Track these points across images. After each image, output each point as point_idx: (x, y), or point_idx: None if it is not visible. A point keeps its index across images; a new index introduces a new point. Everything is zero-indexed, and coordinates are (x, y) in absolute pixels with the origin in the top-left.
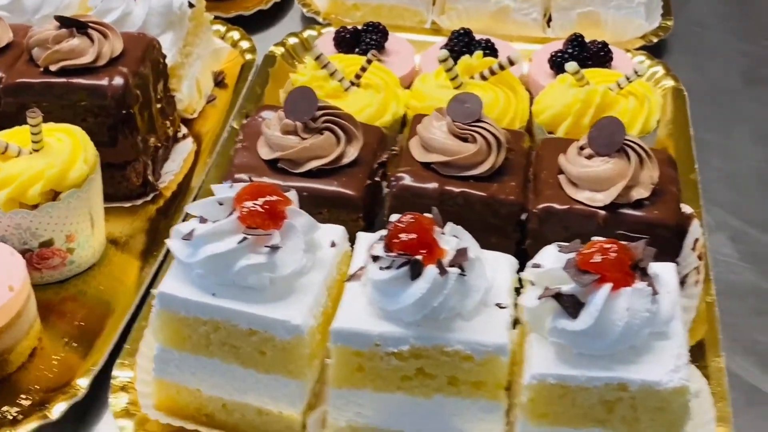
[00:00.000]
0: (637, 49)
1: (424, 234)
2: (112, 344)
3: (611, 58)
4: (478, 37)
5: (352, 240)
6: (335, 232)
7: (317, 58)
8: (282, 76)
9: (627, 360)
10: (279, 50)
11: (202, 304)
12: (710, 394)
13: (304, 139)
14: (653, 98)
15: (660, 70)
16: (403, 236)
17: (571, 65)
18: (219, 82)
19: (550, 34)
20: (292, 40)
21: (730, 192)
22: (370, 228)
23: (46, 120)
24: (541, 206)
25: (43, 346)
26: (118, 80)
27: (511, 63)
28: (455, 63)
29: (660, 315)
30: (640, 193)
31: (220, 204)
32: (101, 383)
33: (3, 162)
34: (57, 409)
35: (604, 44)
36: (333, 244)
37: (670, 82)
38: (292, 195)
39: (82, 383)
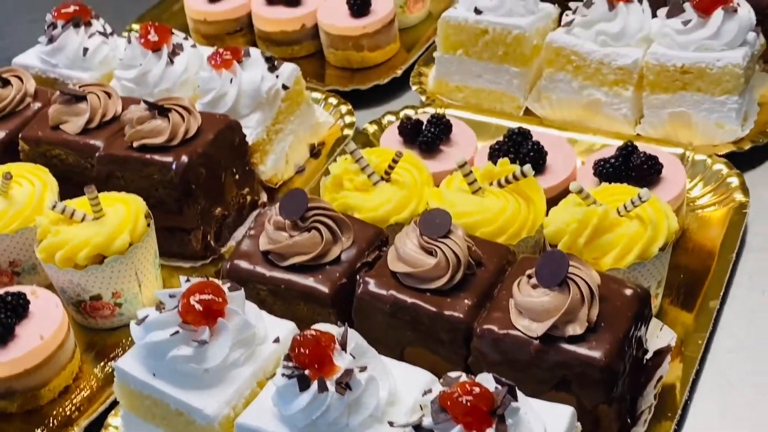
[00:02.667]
0: (723, 155)
1: (319, 350)
2: None
3: (658, 171)
4: (534, 138)
5: None
6: (285, 327)
7: (352, 152)
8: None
9: None
10: (372, 127)
11: (143, 382)
12: None
13: (291, 236)
14: (661, 224)
15: (735, 181)
16: (300, 350)
17: (574, 185)
18: (315, 153)
19: (640, 131)
20: (388, 118)
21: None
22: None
23: (128, 189)
24: (482, 327)
25: (78, 384)
26: (183, 159)
27: (524, 175)
28: (497, 161)
29: None
30: (574, 329)
31: (171, 297)
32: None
33: (68, 225)
34: None
35: (652, 158)
36: (276, 340)
37: (740, 197)
38: (237, 294)
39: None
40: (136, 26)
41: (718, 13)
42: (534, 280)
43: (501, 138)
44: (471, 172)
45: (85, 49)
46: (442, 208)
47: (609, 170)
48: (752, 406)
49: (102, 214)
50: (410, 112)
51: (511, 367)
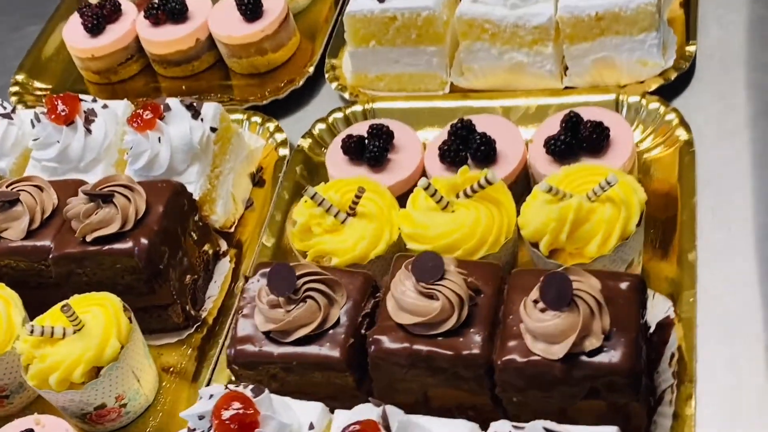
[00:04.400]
0: (653, 93)
1: None
2: None
3: (607, 137)
4: (479, 129)
5: (347, 398)
6: (314, 411)
7: (312, 197)
8: (312, 168)
9: None
10: (307, 141)
11: None
12: None
13: (288, 311)
14: (632, 200)
15: (674, 117)
16: None
17: (543, 185)
18: (257, 182)
19: (567, 83)
20: (319, 127)
21: None
22: (362, 381)
23: (91, 282)
24: (503, 360)
25: None
26: (143, 242)
27: (489, 183)
28: (454, 156)
29: None
30: (591, 343)
31: (201, 418)
32: None
33: (51, 346)
34: None
35: (599, 126)
36: (311, 426)
37: (683, 134)
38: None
39: None
40: (20, 77)
41: None
42: (541, 304)
43: (446, 136)
44: (436, 190)
45: None
46: (432, 251)
47: (561, 147)
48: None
49: (81, 324)
50: (338, 115)
51: (540, 389)
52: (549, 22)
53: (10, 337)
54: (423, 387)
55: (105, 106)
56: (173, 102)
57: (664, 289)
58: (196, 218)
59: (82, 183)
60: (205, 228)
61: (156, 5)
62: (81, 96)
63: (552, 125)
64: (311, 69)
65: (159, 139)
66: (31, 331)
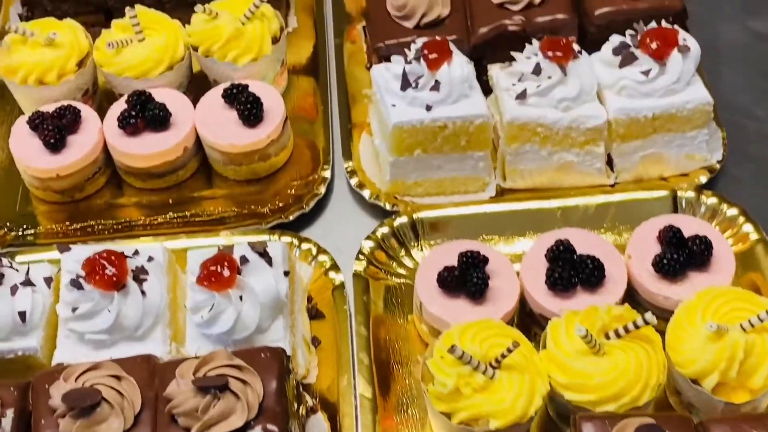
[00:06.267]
0: (704, 186)
1: None
2: None
3: (711, 252)
4: (579, 251)
5: None
6: None
7: (461, 357)
8: (377, 291)
9: None
10: (362, 265)
11: None
12: None
13: None
14: None
15: (737, 213)
16: None
17: (713, 327)
18: (314, 315)
19: (615, 179)
20: (368, 245)
21: None
22: None
23: None
24: None
25: None
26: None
27: (646, 323)
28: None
29: None
30: None
31: None
32: None
33: None
34: None
35: (705, 241)
36: None
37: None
38: None
39: None
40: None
41: (675, 57)
42: None
43: (544, 260)
44: (592, 336)
45: (22, 314)
46: (655, 425)
47: (674, 266)
48: None
49: None
50: (385, 230)
51: None
52: (604, 125)
53: None
54: None
55: (150, 259)
56: (246, 250)
57: None
58: (292, 378)
59: (150, 358)
60: (298, 390)
61: (133, 113)
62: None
63: (646, 238)
64: (325, 172)
65: (240, 297)
66: None
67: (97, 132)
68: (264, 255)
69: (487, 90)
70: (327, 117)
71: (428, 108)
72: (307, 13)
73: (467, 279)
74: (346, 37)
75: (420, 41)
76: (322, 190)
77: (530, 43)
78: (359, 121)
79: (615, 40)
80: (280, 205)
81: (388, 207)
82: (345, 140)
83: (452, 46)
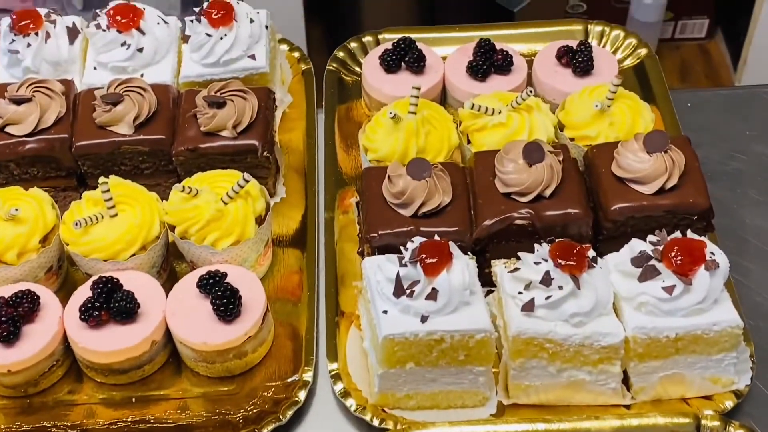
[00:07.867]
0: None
1: None
2: None
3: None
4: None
5: None
6: None
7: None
8: None
9: None
10: None
11: None
12: None
13: None
14: None
15: None
16: None
17: None
18: None
19: (631, 399)
20: None
21: None
22: None
23: None
24: None
25: None
26: None
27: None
28: None
29: None
30: None
31: None
32: None
33: None
34: None
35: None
36: None
37: None
38: None
39: None
40: None
41: (702, 275)
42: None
43: None
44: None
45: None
46: None
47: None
48: None
49: None
50: None
51: None
52: (621, 343)
53: None
54: None
55: None
56: None
57: None
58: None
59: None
60: None
61: (97, 304)
62: None
63: None
64: (309, 375)
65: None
66: None
67: (56, 322)
68: None
69: (488, 281)
70: (313, 302)
71: (423, 319)
72: (299, 176)
73: None
74: (338, 206)
75: (417, 241)
76: (302, 396)
77: (539, 236)
78: (348, 311)
79: (635, 247)
80: (254, 411)
81: (375, 423)
82: (330, 334)
83: (453, 248)
